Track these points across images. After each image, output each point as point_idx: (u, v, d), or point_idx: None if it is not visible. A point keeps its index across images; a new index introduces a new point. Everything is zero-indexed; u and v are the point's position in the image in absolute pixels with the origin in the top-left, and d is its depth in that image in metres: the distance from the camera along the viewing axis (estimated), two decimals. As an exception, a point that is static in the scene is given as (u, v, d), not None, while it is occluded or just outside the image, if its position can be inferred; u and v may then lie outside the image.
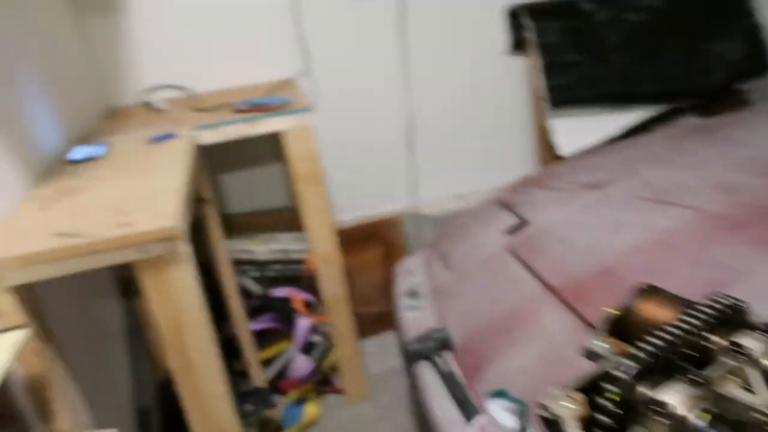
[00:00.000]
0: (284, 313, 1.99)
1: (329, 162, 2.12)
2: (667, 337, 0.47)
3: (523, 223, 1.47)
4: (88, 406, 1.17)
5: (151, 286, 1.05)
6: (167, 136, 1.54)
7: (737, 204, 1.23)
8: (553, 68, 2.17)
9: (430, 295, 1.50)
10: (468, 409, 1.07)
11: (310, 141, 1.71)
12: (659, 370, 0.47)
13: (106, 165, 1.38)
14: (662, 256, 1.14)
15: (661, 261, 1.12)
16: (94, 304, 1.58)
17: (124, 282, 1.79)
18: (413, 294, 1.50)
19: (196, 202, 1.82)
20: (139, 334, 1.78)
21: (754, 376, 0.50)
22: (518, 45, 2.25)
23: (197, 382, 1.14)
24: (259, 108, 1.72)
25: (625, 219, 1.35)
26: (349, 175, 2.32)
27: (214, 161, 2.12)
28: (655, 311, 0.52)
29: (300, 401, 2.05)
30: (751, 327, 0.56)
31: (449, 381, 1.16)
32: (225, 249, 1.93)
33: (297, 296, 2.02)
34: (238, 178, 2.27)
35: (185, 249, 1.05)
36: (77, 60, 1.87)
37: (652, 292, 0.55)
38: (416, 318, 1.42)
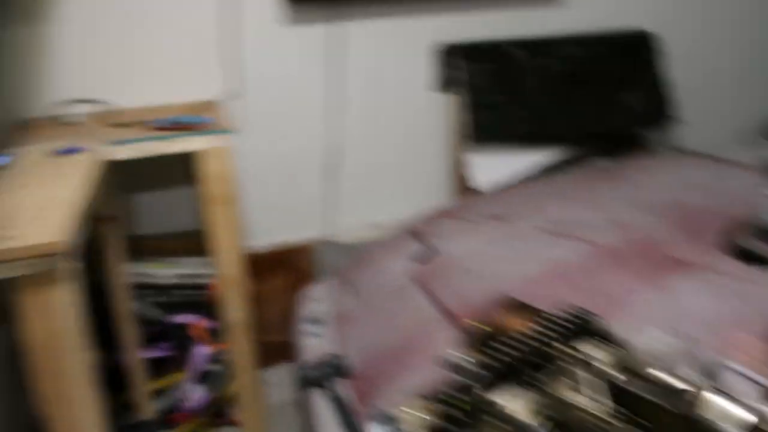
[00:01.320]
0: (180, 340, 1.89)
1: (250, 186, 2.10)
2: (515, 344, 0.46)
3: (431, 253, 1.47)
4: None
5: (28, 305, 0.97)
6: (73, 150, 1.49)
7: (627, 239, 1.28)
8: (479, 107, 2.26)
9: (333, 322, 1.46)
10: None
11: (226, 162, 1.66)
12: (511, 378, 0.46)
13: (5, 176, 1.31)
14: (555, 285, 1.16)
15: (553, 290, 1.14)
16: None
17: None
18: (315, 321, 1.46)
19: (98, 221, 1.73)
20: (14, 364, 1.63)
21: (587, 380, 0.50)
22: (447, 83, 2.31)
23: (71, 412, 1.05)
24: (177, 126, 1.68)
25: (526, 251, 1.38)
26: (266, 200, 2.27)
27: (128, 180, 2.02)
28: (512, 322, 0.52)
29: (192, 435, 1.93)
30: (598, 337, 0.56)
31: (339, 406, 1.12)
32: (123, 272, 1.83)
33: (198, 323, 1.92)
34: (150, 198, 2.17)
35: (68, 266, 0.98)
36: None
37: (513, 305, 0.54)
38: (316, 345, 1.37)
